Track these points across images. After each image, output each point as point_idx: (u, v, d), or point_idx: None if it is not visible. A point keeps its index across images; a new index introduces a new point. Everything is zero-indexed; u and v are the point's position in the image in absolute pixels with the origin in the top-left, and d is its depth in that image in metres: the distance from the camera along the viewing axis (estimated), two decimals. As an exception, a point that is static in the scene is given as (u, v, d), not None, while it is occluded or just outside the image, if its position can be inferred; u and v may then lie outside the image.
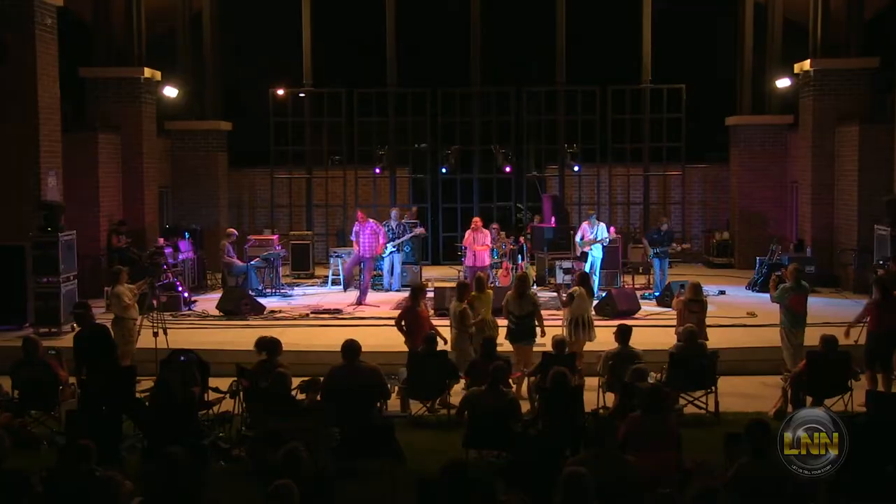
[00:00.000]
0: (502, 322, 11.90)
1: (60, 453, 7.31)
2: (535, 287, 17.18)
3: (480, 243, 16.73)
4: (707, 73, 22.94)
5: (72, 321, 13.08)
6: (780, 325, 11.87)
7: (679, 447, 7.42)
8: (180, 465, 6.36)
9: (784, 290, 11.73)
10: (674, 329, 12.01)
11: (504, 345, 11.44)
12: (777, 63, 20.91)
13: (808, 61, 18.81)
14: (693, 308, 11.84)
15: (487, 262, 16.85)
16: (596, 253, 17.01)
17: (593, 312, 12.76)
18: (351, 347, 9.40)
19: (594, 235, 16.95)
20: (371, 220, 17.24)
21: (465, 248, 17.03)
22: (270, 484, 5.72)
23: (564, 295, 12.09)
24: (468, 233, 17.00)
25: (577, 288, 11.89)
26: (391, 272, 18.25)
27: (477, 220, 17.24)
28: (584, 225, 17.26)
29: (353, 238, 17.35)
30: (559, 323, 12.30)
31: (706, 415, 10.39)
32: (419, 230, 18.76)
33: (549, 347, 10.81)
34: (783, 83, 20.69)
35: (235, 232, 18.72)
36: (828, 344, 10.32)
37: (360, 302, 16.54)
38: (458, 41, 22.55)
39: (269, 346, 9.82)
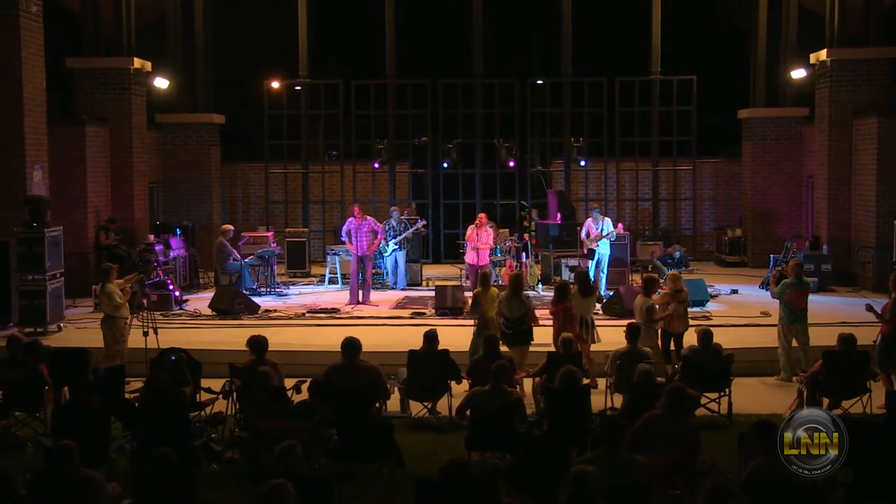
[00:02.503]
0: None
1: (46, 455, 7.26)
2: (540, 286, 16.90)
3: (483, 241, 16.33)
4: (719, 64, 22.72)
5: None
6: (779, 321, 11.89)
7: (698, 448, 7.39)
8: (171, 468, 6.38)
9: (784, 286, 11.75)
10: (664, 323, 11.63)
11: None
12: (792, 53, 20.58)
13: (824, 51, 18.40)
14: (680, 298, 11.61)
15: (487, 260, 16.44)
16: (603, 249, 16.63)
17: (600, 312, 12.55)
18: (351, 345, 9.30)
19: (600, 230, 16.52)
20: (369, 217, 16.68)
21: (467, 244, 16.54)
22: (265, 484, 5.61)
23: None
24: (471, 228, 16.61)
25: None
26: (395, 270, 17.90)
27: (482, 216, 16.81)
28: (589, 221, 16.95)
29: (343, 238, 16.64)
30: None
31: (718, 416, 10.15)
32: (421, 223, 18.45)
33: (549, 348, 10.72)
34: (798, 74, 20.41)
35: (232, 228, 18.19)
36: (846, 343, 10.04)
37: (365, 301, 16.20)
38: (459, 30, 22.35)
39: (257, 345, 9.69)
